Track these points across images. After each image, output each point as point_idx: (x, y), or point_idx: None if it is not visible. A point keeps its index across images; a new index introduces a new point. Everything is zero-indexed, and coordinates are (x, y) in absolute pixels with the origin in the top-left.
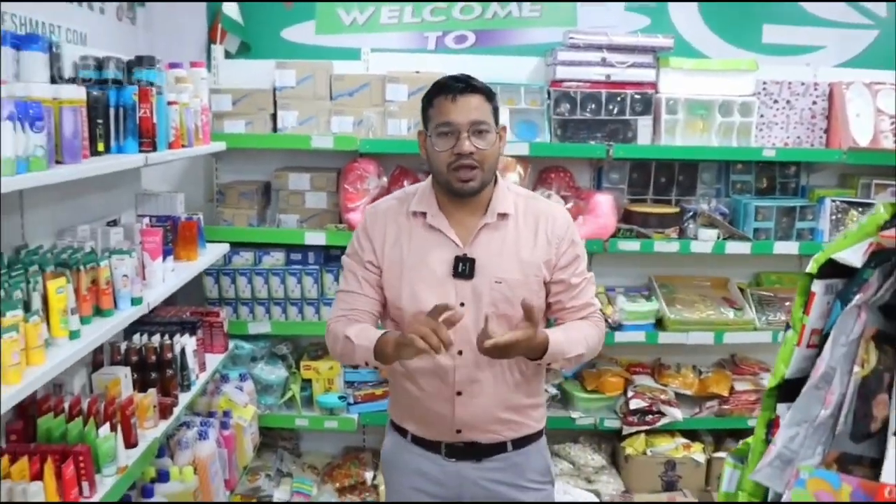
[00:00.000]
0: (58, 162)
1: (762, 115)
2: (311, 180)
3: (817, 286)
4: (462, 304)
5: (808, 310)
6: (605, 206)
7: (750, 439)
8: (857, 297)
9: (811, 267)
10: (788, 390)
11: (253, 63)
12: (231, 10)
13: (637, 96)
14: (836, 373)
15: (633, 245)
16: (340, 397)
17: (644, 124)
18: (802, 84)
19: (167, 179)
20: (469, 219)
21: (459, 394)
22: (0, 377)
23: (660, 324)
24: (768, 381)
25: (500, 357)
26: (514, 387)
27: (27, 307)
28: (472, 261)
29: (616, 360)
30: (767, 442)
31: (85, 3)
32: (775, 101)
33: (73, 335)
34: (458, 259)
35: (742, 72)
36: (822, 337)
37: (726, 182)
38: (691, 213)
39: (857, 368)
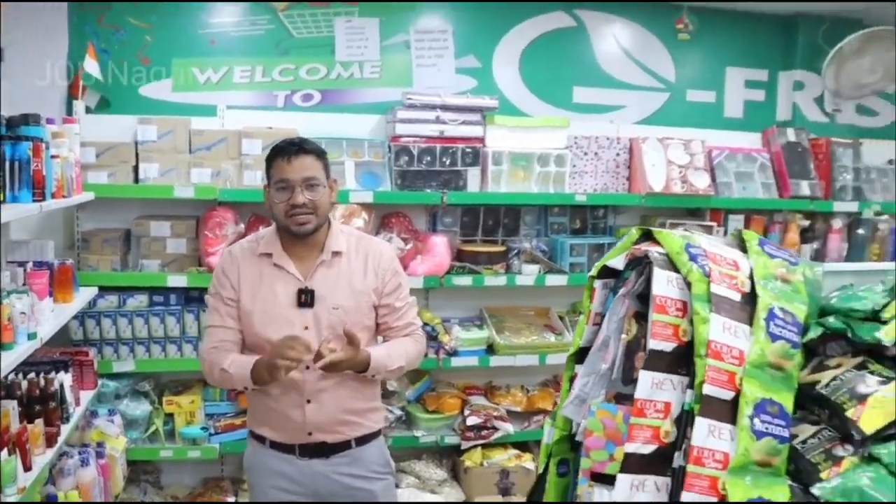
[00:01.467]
0: None
1: (574, 165)
2: (171, 227)
3: (597, 284)
4: (306, 328)
5: (592, 300)
6: (440, 246)
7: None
8: (622, 289)
9: (593, 271)
10: (581, 355)
11: (115, 118)
12: (92, 68)
13: (467, 150)
14: (611, 340)
15: (465, 280)
16: (202, 428)
17: (473, 174)
18: (607, 139)
19: (28, 228)
20: (308, 257)
21: (309, 401)
22: None
23: (491, 349)
24: (570, 351)
25: (333, 371)
26: (353, 394)
27: None
28: (312, 292)
29: (454, 383)
30: (570, 391)
31: None
32: (585, 153)
33: None
34: (300, 291)
35: (556, 128)
36: (601, 317)
37: (545, 223)
38: (516, 251)
39: (623, 336)
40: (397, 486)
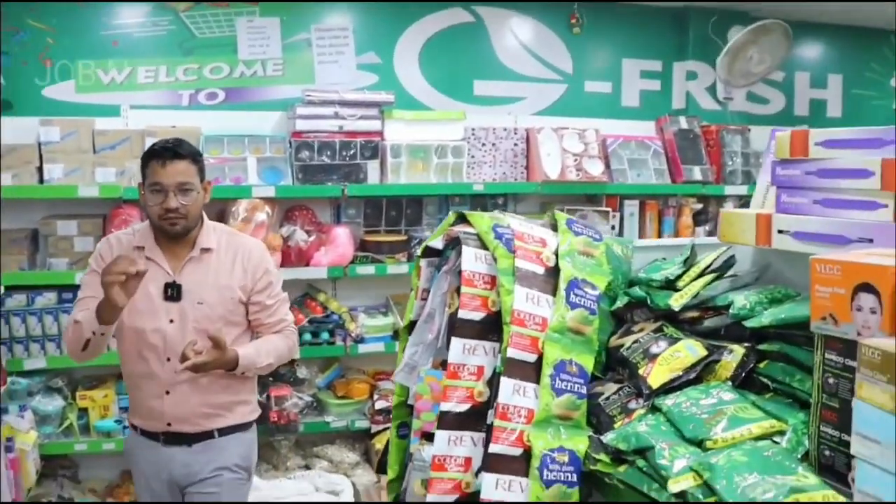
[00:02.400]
0: None
1: (473, 156)
2: (78, 226)
3: (423, 262)
4: (171, 321)
5: (419, 278)
6: (343, 237)
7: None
8: (444, 266)
9: (419, 251)
10: (412, 327)
11: (17, 120)
12: None
13: (366, 143)
14: (436, 313)
15: (369, 269)
16: (116, 421)
17: (373, 167)
18: (505, 129)
19: None
20: (179, 252)
21: (168, 392)
22: None
23: (396, 335)
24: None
25: (199, 372)
26: (217, 389)
27: None
28: (179, 286)
29: (364, 370)
30: None
31: None
32: (483, 144)
33: None
34: (167, 285)
35: (453, 121)
36: (427, 292)
37: (446, 212)
38: (418, 240)
39: (447, 309)
40: (308, 468)
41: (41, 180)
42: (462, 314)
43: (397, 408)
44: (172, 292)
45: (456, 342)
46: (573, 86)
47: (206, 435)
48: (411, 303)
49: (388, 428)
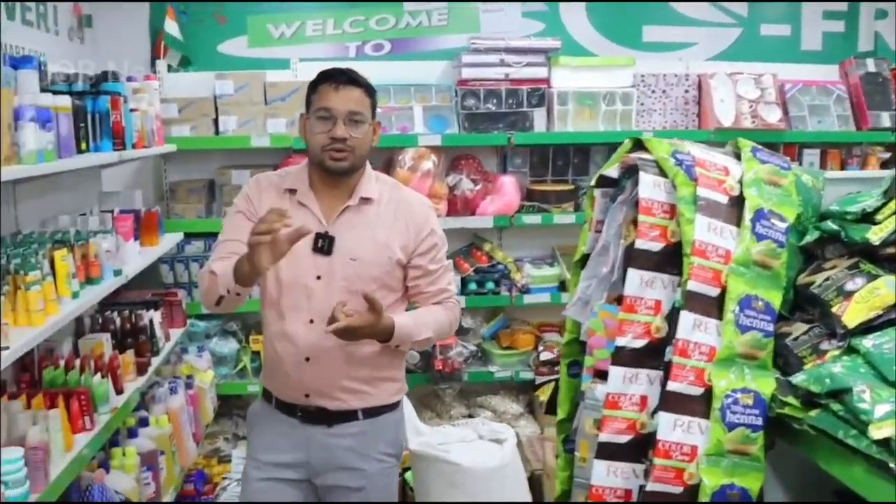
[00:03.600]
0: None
1: (642, 104)
2: (251, 175)
3: (597, 193)
4: (318, 278)
5: (593, 209)
6: (509, 186)
7: None
8: (620, 197)
9: (592, 182)
10: (585, 260)
11: (194, 75)
12: (172, 29)
13: (532, 91)
14: (610, 245)
15: (535, 219)
16: None
17: (539, 115)
18: (675, 76)
19: (121, 181)
20: (335, 200)
21: (308, 360)
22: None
23: (562, 286)
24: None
25: (347, 339)
26: (364, 360)
27: (41, 270)
28: (332, 238)
29: (528, 321)
30: None
31: (42, 27)
32: (653, 91)
33: (75, 295)
34: (318, 235)
35: (621, 67)
36: (601, 224)
37: None
38: (585, 190)
39: (622, 241)
40: (471, 416)
41: (216, 132)
42: (639, 244)
43: (568, 345)
44: (323, 244)
45: (633, 274)
46: (748, 29)
47: (349, 415)
48: (584, 235)
49: (552, 380)
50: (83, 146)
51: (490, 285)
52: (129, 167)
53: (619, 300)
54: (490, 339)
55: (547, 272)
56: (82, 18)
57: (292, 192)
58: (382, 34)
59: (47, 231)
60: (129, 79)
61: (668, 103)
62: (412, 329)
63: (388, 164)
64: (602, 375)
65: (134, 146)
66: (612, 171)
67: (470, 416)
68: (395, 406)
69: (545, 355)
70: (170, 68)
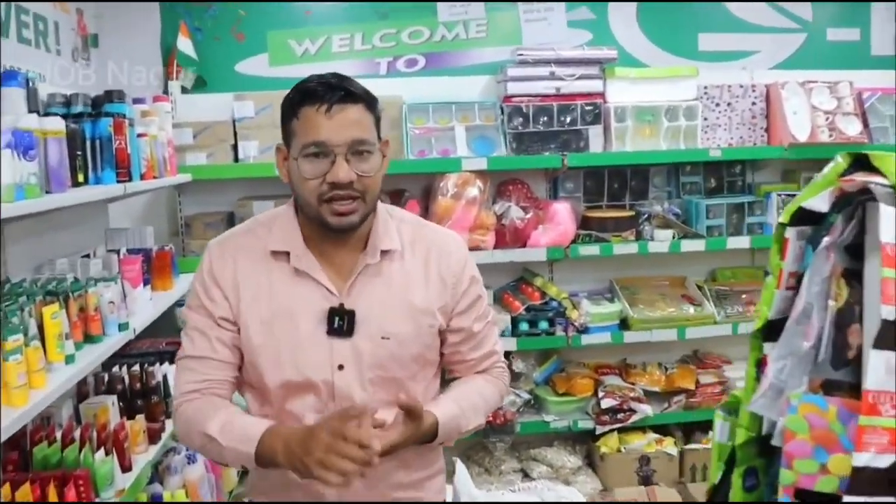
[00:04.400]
0: (47, 192)
1: (705, 118)
2: (275, 207)
3: (790, 233)
4: (341, 368)
5: (783, 255)
6: (563, 213)
7: (738, 392)
8: (826, 239)
9: (783, 217)
10: (771, 330)
11: (210, 97)
12: (185, 47)
13: (587, 106)
14: (813, 309)
15: (592, 249)
16: None
17: (595, 133)
18: (741, 86)
19: (131, 215)
20: (345, 258)
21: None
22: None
23: (624, 324)
24: (754, 324)
25: (385, 455)
26: (407, 464)
27: (25, 333)
28: (352, 313)
29: (584, 363)
30: (758, 379)
31: (43, 47)
32: (717, 104)
33: (69, 359)
34: (333, 312)
35: (684, 78)
36: (797, 278)
37: (676, 184)
38: (646, 216)
39: (831, 303)
40: (527, 475)
41: (236, 159)
42: (885, 312)
43: (743, 447)
44: (341, 323)
45: (877, 357)
46: (813, 34)
47: None
48: (769, 293)
49: (614, 429)
50: (80, 178)
51: (543, 325)
52: (139, 199)
53: (826, 387)
54: (544, 385)
55: (606, 308)
56: (88, 38)
57: (281, 253)
58: (416, 48)
59: (41, 279)
60: (137, 101)
61: (733, 117)
62: (459, 420)
63: (427, 192)
64: (807, 496)
65: (142, 177)
66: (816, 201)
67: (523, 471)
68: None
69: (606, 402)
70: (183, 90)
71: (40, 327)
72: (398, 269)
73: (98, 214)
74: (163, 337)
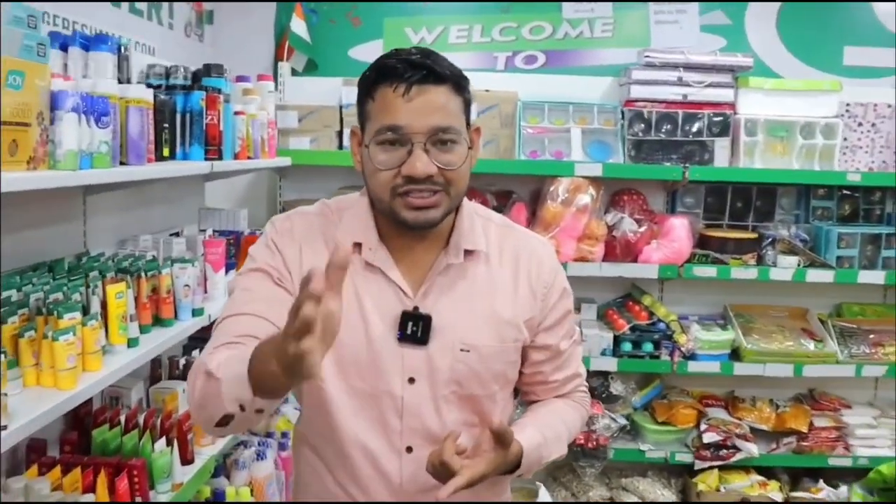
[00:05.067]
0: (122, 163)
1: (845, 139)
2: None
3: None
4: (411, 381)
5: None
6: (679, 230)
7: (884, 468)
8: None
9: None
10: None
11: (320, 80)
12: (299, 28)
13: (715, 117)
14: None
15: (709, 271)
16: None
17: (721, 146)
18: (889, 106)
19: (231, 197)
20: (422, 257)
21: None
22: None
23: (735, 354)
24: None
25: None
26: (483, 488)
27: (86, 311)
28: (427, 319)
29: (688, 391)
30: None
31: (155, 19)
32: (859, 124)
33: (132, 343)
34: (406, 316)
35: (825, 92)
36: None
37: (806, 207)
38: (770, 240)
39: None
40: (612, 500)
41: (340, 146)
42: None
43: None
44: (415, 329)
45: None
46: None
47: None
48: None
49: (715, 466)
50: (165, 151)
51: (648, 347)
52: (240, 181)
53: None
54: (643, 411)
55: (718, 335)
56: (203, 14)
57: (354, 245)
58: (536, 44)
59: (118, 255)
60: (240, 78)
61: (877, 139)
62: (542, 451)
63: (536, 196)
64: None
65: (236, 156)
66: None
67: (612, 499)
68: None
69: (709, 436)
70: (294, 72)
71: (104, 306)
72: (483, 274)
73: (194, 193)
74: None
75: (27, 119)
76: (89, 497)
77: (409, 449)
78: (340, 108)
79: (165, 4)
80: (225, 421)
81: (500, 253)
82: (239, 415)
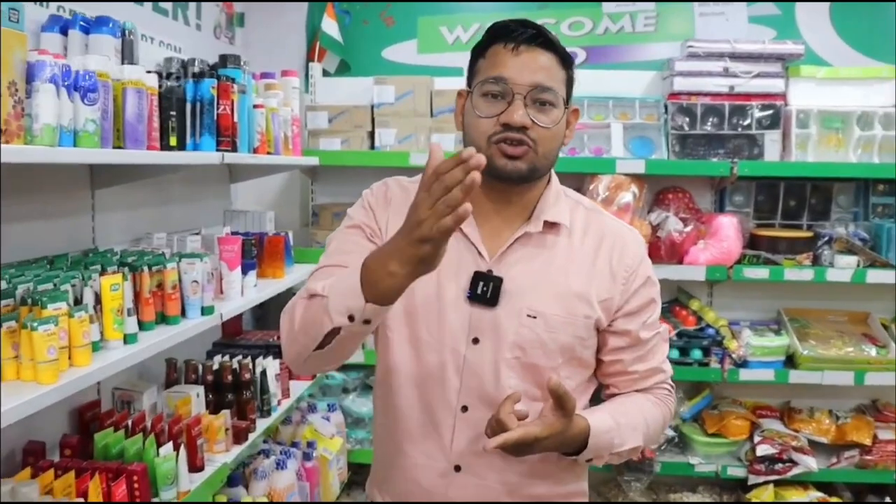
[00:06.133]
0: (117, 148)
1: None
2: None
3: None
4: (475, 342)
5: None
6: (728, 229)
7: None
8: None
9: None
10: None
11: (351, 80)
12: (331, 29)
13: (764, 109)
14: None
15: (760, 272)
16: None
17: (772, 139)
18: None
19: (261, 201)
20: (505, 223)
21: (458, 469)
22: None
23: (790, 361)
24: None
25: (515, 455)
26: (541, 467)
27: (77, 303)
28: (499, 281)
29: (740, 401)
30: None
31: (181, 19)
32: None
33: (129, 339)
34: (478, 276)
35: (883, 80)
36: None
37: (865, 204)
38: (826, 239)
39: None
40: None
41: (372, 146)
42: None
43: None
44: (485, 289)
45: None
46: None
47: None
48: None
49: (770, 481)
50: (172, 141)
51: (697, 354)
52: (270, 185)
53: None
54: (692, 422)
55: (771, 342)
56: (234, 17)
57: None
58: (576, 40)
59: (127, 251)
60: (265, 75)
61: None
62: (613, 436)
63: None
64: None
65: (255, 151)
66: None
67: None
68: None
69: (763, 448)
70: (325, 73)
71: (99, 299)
72: (563, 248)
73: (218, 195)
74: (273, 330)
75: None
76: (78, 500)
77: (465, 408)
78: (372, 107)
79: (192, 4)
80: (328, 339)
81: (585, 231)
82: (346, 327)
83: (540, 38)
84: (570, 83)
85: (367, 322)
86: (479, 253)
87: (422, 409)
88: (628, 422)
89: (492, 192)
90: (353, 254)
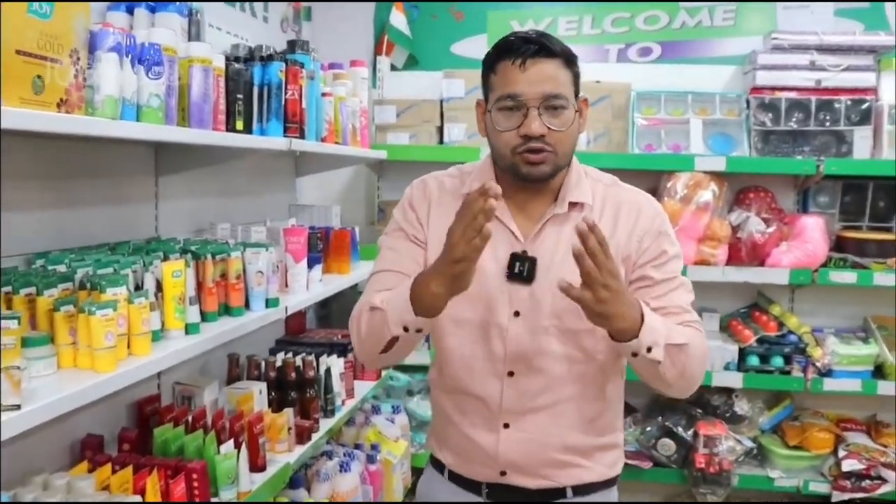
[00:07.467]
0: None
1: None
2: None
3: None
4: (517, 314)
5: None
6: (813, 230)
7: None
8: None
9: None
10: None
11: (419, 74)
12: (399, 23)
13: (853, 103)
14: None
15: (848, 276)
16: None
17: (862, 136)
18: None
19: (327, 197)
20: (534, 208)
21: (507, 426)
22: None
23: (878, 371)
24: None
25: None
26: (580, 421)
27: (138, 290)
28: (534, 260)
29: (823, 413)
30: None
31: (248, 10)
32: None
33: (191, 329)
34: (515, 257)
35: None
36: None
37: None
38: None
39: None
40: None
41: (441, 141)
42: None
43: None
44: (522, 268)
45: None
46: None
47: (555, 493)
48: None
49: (857, 499)
50: (238, 124)
51: (778, 361)
52: (337, 179)
53: None
54: (771, 433)
55: (858, 350)
56: (301, 11)
57: None
58: (651, 35)
59: (190, 240)
60: (333, 66)
61: None
62: (662, 326)
63: (651, 193)
64: None
65: (323, 140)
66: None
67: None
68: (612, 482)
69: (848, 463)
70: (393, 68)
71: (160, 287)
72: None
73: (284, 188)
74: (339, 328)
75: (57, 54)
76: (135, 499)
77: (511, 373)
78: (441, 102)
79: None
80: (390, 345)
81: (603, 205)
82: (403, 336)
83: (542, 50)
84: (576, 78)
85: (419, 331)
86: (515, 236)
87: (473, 377)
88: (672, 325)
89: (521, 186)
90: (401, 256)
